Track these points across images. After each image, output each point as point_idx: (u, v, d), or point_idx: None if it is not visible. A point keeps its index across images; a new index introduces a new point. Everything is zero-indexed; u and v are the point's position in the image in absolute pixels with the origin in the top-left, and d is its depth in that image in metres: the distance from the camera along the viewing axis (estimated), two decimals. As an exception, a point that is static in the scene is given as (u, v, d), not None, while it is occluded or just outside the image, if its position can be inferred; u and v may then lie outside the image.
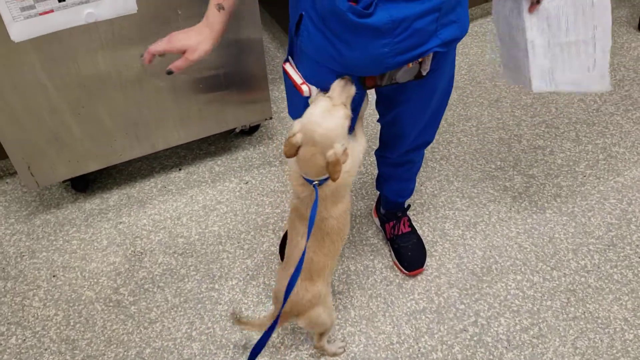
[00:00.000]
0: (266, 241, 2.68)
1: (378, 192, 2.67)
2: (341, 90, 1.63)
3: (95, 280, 2.53)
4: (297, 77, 1.78)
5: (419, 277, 2.50)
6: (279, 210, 2.82)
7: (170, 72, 1.59)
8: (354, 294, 2.44)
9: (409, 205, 2.62)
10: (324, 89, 1.70)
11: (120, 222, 2.78)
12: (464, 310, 2.37)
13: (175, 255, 2.63)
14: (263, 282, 2.50)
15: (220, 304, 2.43)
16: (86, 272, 2.56)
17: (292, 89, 1.86)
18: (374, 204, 2.74)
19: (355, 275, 2.51)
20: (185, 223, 2.77)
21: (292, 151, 1.65)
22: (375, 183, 2.58)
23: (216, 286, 2.50)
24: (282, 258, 2.48)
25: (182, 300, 2.44)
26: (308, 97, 1.76)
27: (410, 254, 2.52)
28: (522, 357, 2.21)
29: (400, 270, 2.51)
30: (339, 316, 2.35)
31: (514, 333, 2.29)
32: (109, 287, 2.50)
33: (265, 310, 2.39)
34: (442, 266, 2.54)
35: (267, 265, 2.57)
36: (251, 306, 2.41)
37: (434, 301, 2.41)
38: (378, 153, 2.35)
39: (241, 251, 2.64)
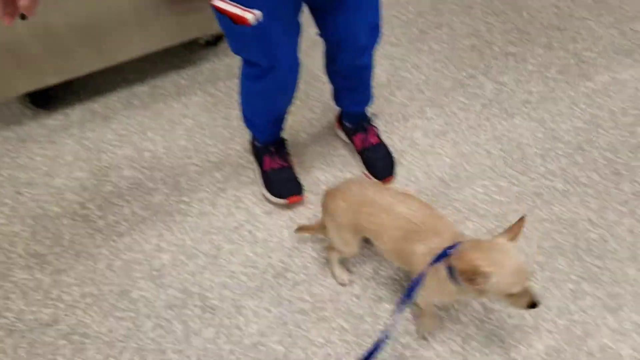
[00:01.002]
0: (234, 154, 2.64)
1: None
2: None
3: (61, 195, 2.50)
4: (235, 10, 1.63)
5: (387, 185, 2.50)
6: (247, 123, 2.77)
7: (24, 17, 1.20)
8: (323, 203, 2.45)
9: (373, 114, 2.58)
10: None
11: (85, 138, 2.71)
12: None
13: (142, 169, 2.59)
14: (233, 195, 2.48)
15: (189, 216, 2.42)
16: (51, 188, 2.52)
17: (230, 25, 1.72)
18: (336, 118, 2.70)
19: (325, 184, 2.51)
20: (151, 137, 2.71)
21: None
22: (332, 99, 2.52)
23: (185, 199, 2.48)
24: None
25: (150, 214, 2.43)
26: (258, 24, 1.67)
27: (379, 164, 2.51)
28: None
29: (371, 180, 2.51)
30: (308, 222, 2.37)
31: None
32: (75, 202, 2.47)
33: (236, 222, 2.39)
34: (411, 174, 2.54)
35: (236, 178, 2.54)
36: (221, 218, 2.41)
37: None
38: (328, 68, 2.27)
39: (209, 164, 2.60)
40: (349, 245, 2.00)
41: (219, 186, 2.52)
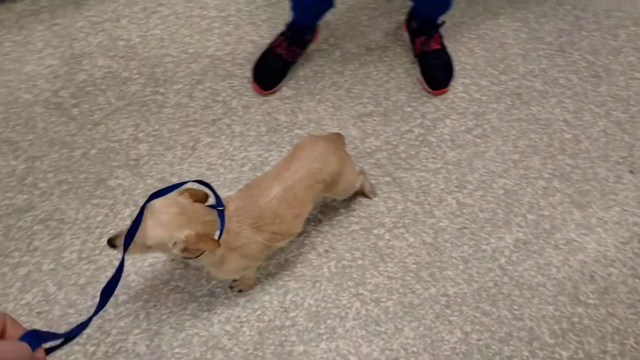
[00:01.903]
0: (212, 45, 2.57)
1: (411, 4, 2.52)
2: None
3: (32, 83, 2.42)
4: None
5: (367, 82, 2.48)
6: (224, 14, 2.67)
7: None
8: (302, 99, 2.42)
9: (443, 22, 2.46)
10: None
11: (55, 24, 2.60)
12: (410, 112, 2.39)
13: (117, 58, 2.51)
14: (209, 87, 2.44)
15: (166, 107, 2.38)
16: (22, 75, 2.44)
17: None
18: (405, 18, 2.59)
19: (304, 80, 2.47)
20: (125, 26, 2.61)
21: None
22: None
23: (161, 90, 2.43)
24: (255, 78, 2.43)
25: (126, 103, 2.38)
26: None
27: (437, 72, 2.45)
28: (464, 155, 2.29)
29: (423, 88, 2.47)
30: (287, 120, 2.35)
31: (458, 133, 2.34)
32: (47, 90, 2.41)
33: (214, 115, 2.36)
34: (392, 71, 2.52)
35: (213, 70, 2.49)
36: (198, 109, 2.37)
37: (381, 104, 2.42)
38: None
39: (185, 55, 2.53)
40: None
41: (196, 78, 2.46)
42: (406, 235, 2.09)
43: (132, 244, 1.42)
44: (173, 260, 2.01)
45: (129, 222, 1.92)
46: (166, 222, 1.42)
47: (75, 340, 1.84)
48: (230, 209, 1.61)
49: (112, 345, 1.85)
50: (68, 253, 2.03)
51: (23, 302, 1.92)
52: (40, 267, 1.99)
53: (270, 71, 2.40)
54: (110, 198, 2.15)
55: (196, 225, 1.46)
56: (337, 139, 1.92)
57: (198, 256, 1.54)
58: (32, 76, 2.44)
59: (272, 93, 2.42)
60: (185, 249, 1.45)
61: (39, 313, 1.90)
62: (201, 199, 1.55)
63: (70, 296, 1.94)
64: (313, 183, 1.72)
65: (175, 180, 2.19)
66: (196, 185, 1.55)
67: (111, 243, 1.50)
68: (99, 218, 2.10)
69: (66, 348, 1.84)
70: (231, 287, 1.97)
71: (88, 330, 1.87)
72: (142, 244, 1.44)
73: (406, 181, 2.22)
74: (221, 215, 1.56)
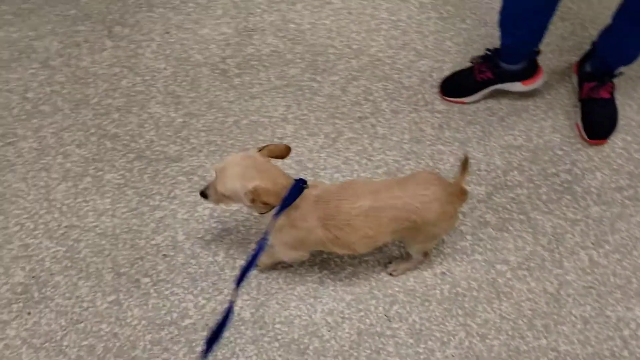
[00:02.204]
0: (375, 46, 2.61)
1: (588, 47, 2.44)
2: None
3: (205, 45, 2.59)
4: None
5: (523, 115, 2.41)
6: (394, 18, 2.70)
7: None
8: (452, 116, 2.39)
9: (621, 73, 2.34)
10: None
11: (237, -4, 2.76)
12: (561, 156, 2.30)
13: (285, 39, 2.62)
14: (363, 85, 2.48)
15: (319, 96, 2.45)
16: (198, 36, 2.61)
17: None
18: (578, 59, 2.51)
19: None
20: (300, 10, 2.72)
21: None
22: (598, 36, 2.29)
23: (318, 78, 2.50)
24: None
25: (283, 84, 2.48)
26: None
27: (600, 122, 2.35)
28: (608, 213, 2.16)
29: (580, 134, 2.37)
30: (433, 133, 2.34)
31: (607, 190, 2.22)
32: (217, 55, 2.56)
33: (361, 112, 2.40)
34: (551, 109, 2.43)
35: (370, 70, 2.52)
36: (348, 104, 2.42)
37: (532, 141, 2.34)
38: (622, 8, 2.04)
39: (348, 50, 2.59)
40: None
41: (353, 74, 2.51)
42: (529, 279, 2.02)
43: (213, 192, 1.67)
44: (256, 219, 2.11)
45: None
46: (240, 173, 1.58)
47: (190, 289, 1.96)
48: (312, 193, 1.66)
49: (221, 304, 1.95)
50: (202, 209, 2.15)
51: (153, 242, 2.06)
52: (175, 215, 2.13)
53: (461, 85, 2.43)
54: (249, 168, 2.25)
55: (267, 181, 1.58)
56: (456, 195, 1.75)
57: (263, 213, 1.67)
58: (206, 40, 2.60)
59: (452, 101, 2.45)
60: (253, 200, 1.57)
61: (164, 256, 2.03)
62: (281, 152, 1.68)
63: (195, 248, 2.05)
64: (402, 218, 1.65)
65: (311, 166, 2.25)
66: None
67: (203, 194, 1.73)
68: (236, 184, 2.21)
69: (180, 295, 1.96)
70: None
71: (202, 284, 1.98)
72: (220, 192, 1.63)
73: (541, 224, 2.13)
74: (296, 188, 1.62)
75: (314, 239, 1.69)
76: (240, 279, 1.50)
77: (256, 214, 1.77)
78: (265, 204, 1.58)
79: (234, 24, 2.66)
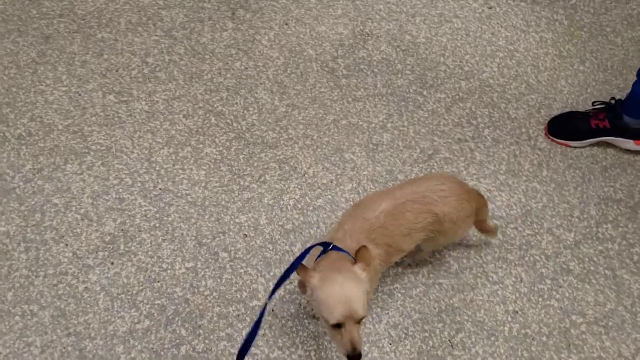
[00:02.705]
0: (488, 71, 2.58)
1: None
2: None
3: (319, 42, 2.64)
4: None
5: (628, 170, 2.31)
6: (511, 48, 2.66)
7: None
8: (554, 156, 2.33)
9: None
10: None
11: (358, -1, 2.80)
12: (662, 219, 2.20)
13: (398, 49, 2.63)
14: (469, 108, 2.46)
15: (422, 110, 2.45)
16: (314, 32, 2.67)
17: None
18: None
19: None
20: (417, 23, 2.72)
21: None
22: None
23: (424, 92, 2.50)
24: None
25: (389, 92, 2.49)
26: None
27: None
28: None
29: None
30: (530, 169, 2.29)
31: None
32: (329, 54, 2.60)
33: (461, 135, 2.38)
34: (659, 169, 2.32)
35: (478, 94, 2.50)
36: (449, 124, 2.40)
37: (634, 197, 2.24)
38: None
39: (460, 70, 2.57)
40: None
41: (460, 95, 2.49)
42: (604, 337, 1.94)
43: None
44: None
45: (347, 196, 2.03)
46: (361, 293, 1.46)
47: (263, 272, 2.01)
48: (338, 236, 1.66)
49: (290, 294, 1.98)
50: (287, 198, 2.20)
51: (237, 220, 2.13)
52: (261, 199, 2.19)
53: (571, 127, 2.36)
54: (340, 168, 2.28)
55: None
56: (474, 196, 1.81)
57: None
58: (322, 37, 2.65)
59: (557, 142, 2.40)
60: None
61: (245, 235, 2.10)
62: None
63: (274, 234, 2.10)
64: (424, 211, 1.68)
65: (401, 178, 2.25)
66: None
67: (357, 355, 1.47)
68: (324, 181, 2.25)
69: (253, 276, 2.01)
70: None
71: (275, 270, 2.02)
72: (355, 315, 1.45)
73: (627, 285, 2.05)
74: (335, 248, 1.60)
75: (377, 262, 1.67)
76: (273, 292, 1.55)
77: None
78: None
79: (351, 26, 2.69)
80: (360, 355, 1.42)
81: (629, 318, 1.98)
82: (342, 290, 1.42)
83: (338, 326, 1.42)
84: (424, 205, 1.69)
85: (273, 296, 1.54)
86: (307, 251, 1.64)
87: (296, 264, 1.54)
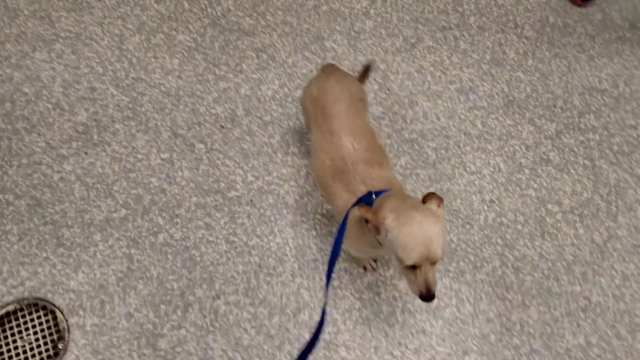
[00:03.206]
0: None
1: None
2: None
3: None
4: None
5: (615, 59, 2.25)
6: None
7: None
8: (540, 45, 2.26)
9: None
10: None
11: None
12: (645, 109, 2.17)
13: None
14: None
15: (405, -4, 2.34)
16: None
17: None
18: None
19: (550, 28, 2.29)
20: None
21: None
22: None
23: (409, -23, 2.37)
24: None
25: (372, -24, 2.37)
26: None
27: None
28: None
29: None
30: (515, 58, 2.22)
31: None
32: None
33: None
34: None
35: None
36: (434, 11, 2.30)
37: (618, 87, 2.20)
38: None
39: None
40: None
41: None
42: (578, 225, 1.97)
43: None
44: None
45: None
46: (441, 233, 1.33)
47: (241, 164, 1.99)
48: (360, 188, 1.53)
49: (268, 185, 1.97)
50: (265, 88, 2.13)
51: (213, 111, 2.08)
52: (238, 89, 2.12)
53: None
54: (320, 57, 2.20)
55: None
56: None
57: None
58: None
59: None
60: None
61: (222, 127, 2.05)
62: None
63: (252, 126, 2.06)
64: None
65: (382, 68, 2.18)
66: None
67: (433, 295, 1.37)
68: (304, 70, 2.18)
69: (230, 168, 1.99)
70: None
71: (254, 162, 2.00)
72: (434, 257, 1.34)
73: (605, 174, 2.05)
74: (377, 194, 1.48)
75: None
76: (328, 278, 1.38)
77: None
78: None
79: None
80: (434, 296, 1.35)
81: (604, 207, 2.00)
82: (421, 230, 1.29)
83: (414, 267, 1.34)
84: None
85: (329, 285, 1.39)
86: (346, 217, 1.50)
87: (341, 234, 1.42)
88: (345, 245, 1.59)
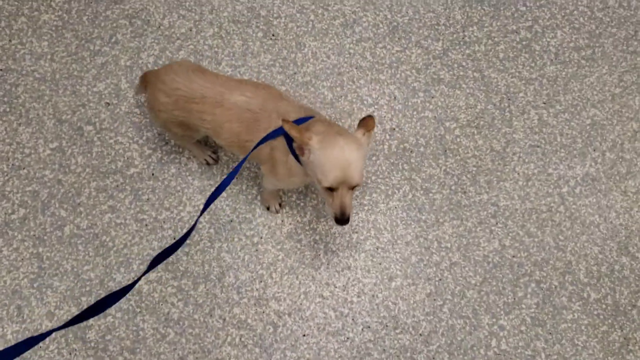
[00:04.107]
0: None
1: None
2: None
3: None
4: None
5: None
6: None
7: None
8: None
9: None
10: None
11: None
12: (523, 12, 2.22)
13: None
14: None
15: None
16: None
17: None
18: None
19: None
20: None
21: None
22: None
23: None
24: None
25: None
26: None
27: None
28: (564, 73, 2.14)
29: None
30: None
31: (565, 49, 2.18)
32: None
33: (319, -45, 2.23)
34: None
35: None
36: (306, -53, 2.24)
37: (496, -5, 2.25)
38: None
39: None
40: (184, 138, 1.73)
41: None
42: (477, 136, 2.03)
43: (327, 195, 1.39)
44: None
45: (210, 43, 1.92)
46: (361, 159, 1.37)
47: (135, 138, 1.92)
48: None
49: (168, 154, 1.92)
50: (146, 56, 2.05)
51: (95, 89, 1.98)
52: (117, 61, 2.03)
53: None
54: (197, 13, 2.12)
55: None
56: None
57: None
58: None
59: None
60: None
61: (107, 104, 1.96)
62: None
63: (140, 97, 1.98)
64: None
65: (263, 14, 2.13)
66: None
67: (346, 219, 1.41)
68: (182, 30, 2.09)
69: (124, 144, 1.92)
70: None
71: (148, 134, 1.94)
72: (358, 183, 1.37)
73: (495, 83, 2.11)
74: (302, 120, 1.50)
75: None
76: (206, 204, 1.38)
77: None
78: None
79: None
80: (348, 220, 1.39)
81: (498, 114, 2.07)
82: (342, 154, 1.33)
83: (331, 190, 1.37)
84: None
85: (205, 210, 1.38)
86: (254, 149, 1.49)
87: (238, 167, 1.40)
88: (272, 181, 1.62)
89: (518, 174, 2.00)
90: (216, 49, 2.07)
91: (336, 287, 1.82)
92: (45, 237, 1.80)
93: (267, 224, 1.87)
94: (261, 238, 1.86)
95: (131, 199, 1.86)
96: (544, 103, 2.10)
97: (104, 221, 1.83)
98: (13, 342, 1.68)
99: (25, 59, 2.00)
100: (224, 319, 1.76)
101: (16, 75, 1.97)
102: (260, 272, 1.82)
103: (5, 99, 1.94)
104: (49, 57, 2.00)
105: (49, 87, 1.97)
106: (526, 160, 2.02)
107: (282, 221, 1.88)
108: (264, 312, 1.78)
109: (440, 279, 1.86)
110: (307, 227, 1.88)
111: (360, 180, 1.37)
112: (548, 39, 2.18)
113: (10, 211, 1.82)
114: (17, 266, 1.78)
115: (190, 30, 2.09)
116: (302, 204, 1.90)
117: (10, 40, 2.01)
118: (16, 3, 2.06)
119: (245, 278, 1.81)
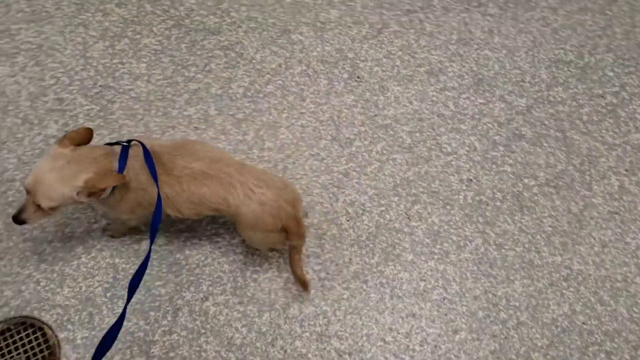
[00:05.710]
0: None
1: None
2: None
3: None
4: None
5: (578, 30, 2.29)
6: None
7: None
8: (504, 22, 2.28)
9: None
10: None
11: None
12: (610, 78, 2.21)
13: None
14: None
15: (368, -18, 2.34)
16: None
17: None
18: None
19: (514, 4, 2.31)
20: None
21: None
22: None
23: None
24: None
25: (333, -35, 2.36)
26: None
27: None
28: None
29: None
30: (482, 37, 2.24)
31: None
32: None
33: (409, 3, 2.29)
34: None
35: (427, -39, 2.38)
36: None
37: (583, 58, 2.24)
38: None
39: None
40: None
41: (408, -36, 2.38)
42: (554, 196, 2.00)
43: (33, 212, 1.45)
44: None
45: (297, 80, 1.98)
46: (60, 177, 1.40)
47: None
48: (137, 151, 1.52)
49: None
50: (236, 86, 2.13)
51: (186, 113, 2.07)
52: (208, 89, 2.11)
53: None
54: (288, 50, 2.20)
55: (90, 167, 1.42)
56: (285, 215, 1.62)
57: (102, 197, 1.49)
58: None
59: None
60: (90, 194, 1.43)
61: (196, 128, 2.04)
62: (83, 138, 1.47)
63: (226, 125, 2.06)
64: (220, 195, 1.57)
65: (350, 56, 2.19)
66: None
67: (17, 219, 1.48)
68: (273, 65, 2.17)
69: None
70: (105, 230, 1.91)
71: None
72: (46, 207, 1.42)
73: (577, 144, 2.09)
74: (124, 151, 1.49)
75: (149, 198, 1.56)
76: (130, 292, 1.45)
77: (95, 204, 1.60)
78: (103, 189, 1.44)
79: None
80: (23, 221, 1.47)
81: (578, 177, 2.04)
82: (39, 163, 1.43)
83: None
84: (224, 189, 1.56)
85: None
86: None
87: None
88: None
89: (594, 239, 1.96)
90: (302, 86, 2.14)
91: (399, 333, 1.81)
92: (123, 250, 1.87)
93: (335, 261, 1.89)
94: (327, 274, 1.87)
95: (208, 220, 1.91)
96: (626, 170, 2.06)
97: (180, 239, 1.89)
98: (82, 348, 1.74)
99: (124, 78, 2.11)
100: (285, 350, 1.77)
101: (113, 92, 2.08)
102: (325, 308, 1.83)
103: (102, 114, 2.04)
104: (145, 78, 2.11)
105: (142, 107, 2.06)
106: (604, 226, 1.98)
107: (350, 260, 1.90)
108: (325, 348, 1.78)
109: (505, 337, 1.82)
110: (374, 269, 1.88)
111: (29, 187, 1.43)
112: (635, 107, 2.16)
113: (93, 220, 1.90)
114: (94, 274, 1.84)
115: (280, 66, 2.17)
116: (371, 245, 1.91)
117: (112, 59, 2.13)
118: (121, 25, 2.19)
119: (309, 312, 1.82)
